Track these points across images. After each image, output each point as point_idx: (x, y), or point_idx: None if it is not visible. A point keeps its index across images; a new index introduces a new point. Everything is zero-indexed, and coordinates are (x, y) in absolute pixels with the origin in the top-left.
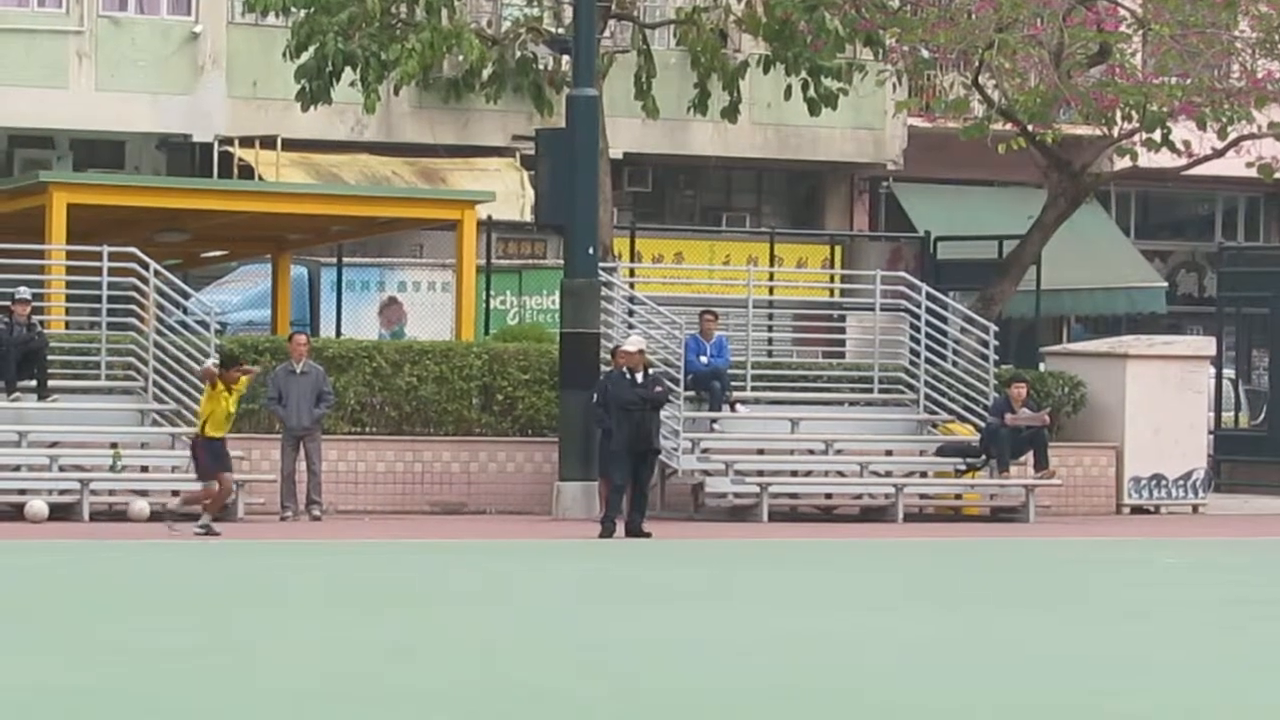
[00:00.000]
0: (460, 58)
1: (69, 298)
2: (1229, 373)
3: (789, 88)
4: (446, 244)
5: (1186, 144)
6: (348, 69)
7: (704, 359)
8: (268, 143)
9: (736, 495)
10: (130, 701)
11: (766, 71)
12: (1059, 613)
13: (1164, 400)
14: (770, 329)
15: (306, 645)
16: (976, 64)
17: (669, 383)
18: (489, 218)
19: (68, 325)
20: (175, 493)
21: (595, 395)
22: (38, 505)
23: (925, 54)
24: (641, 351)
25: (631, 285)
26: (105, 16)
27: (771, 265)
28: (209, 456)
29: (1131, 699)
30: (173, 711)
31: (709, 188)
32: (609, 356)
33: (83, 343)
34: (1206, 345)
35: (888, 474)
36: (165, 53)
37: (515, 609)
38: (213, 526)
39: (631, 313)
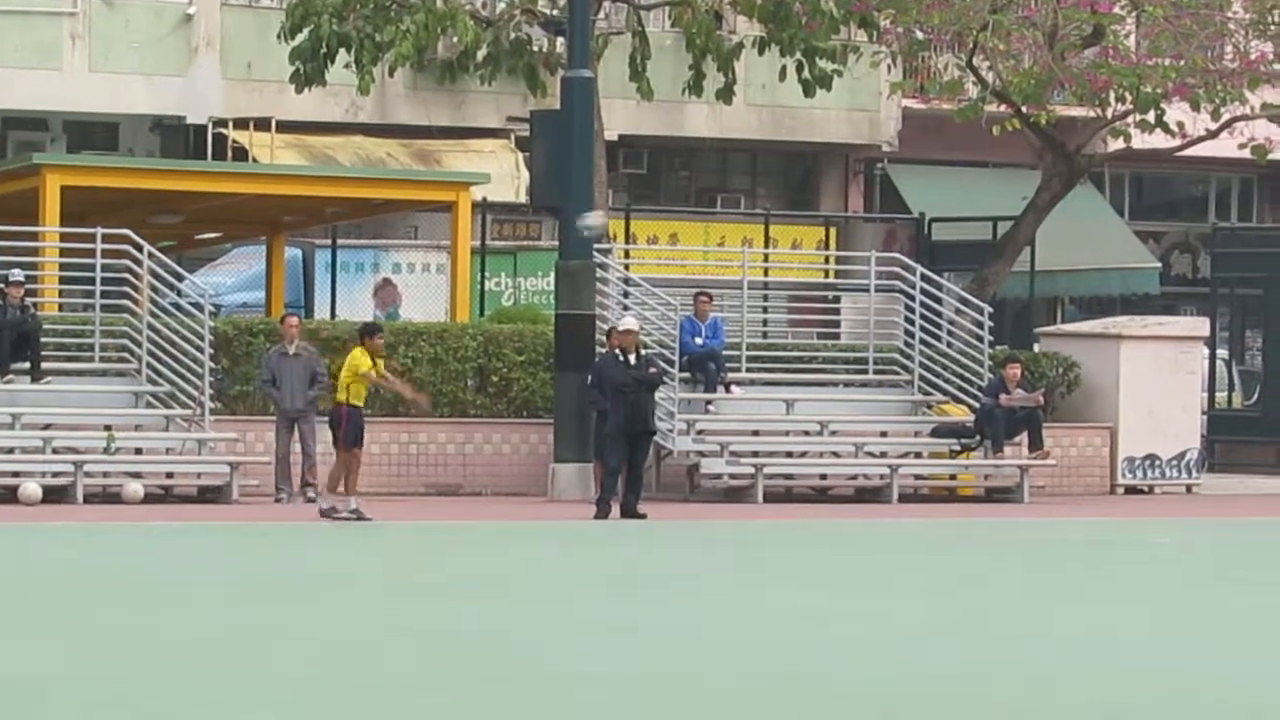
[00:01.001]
0: (455, 39)
1: (63, 280)
2: (1223, 353)
3: (784, 69)
4: (441, 226)
5: (1180, 125)
6: (342, 51)
7: (699, 340)
8: (262, 124)
9: (731, 476)
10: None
11: (761, 53)
12: (1054, 593)
13: (1158, 381)
14: (765, 310)
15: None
16: (971, 45)
17: (663, 364)
18: (484, 199)
19: (61, 307)
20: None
21: (590, 377)
22: (31, 487)
23: (920, 35)
24: (636, 333)
25: (626, 267)
26: None
27: (766, 247)
28: (354, 427)
29: (1126, 678)
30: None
31: (704, 169)
32: (604, 338)
33: (76, 325)
34: (1200, 326)
35: (882, 455)
36: (159, 34)
37: (522, 596)
38: (362, 510)
39: (626, 294)
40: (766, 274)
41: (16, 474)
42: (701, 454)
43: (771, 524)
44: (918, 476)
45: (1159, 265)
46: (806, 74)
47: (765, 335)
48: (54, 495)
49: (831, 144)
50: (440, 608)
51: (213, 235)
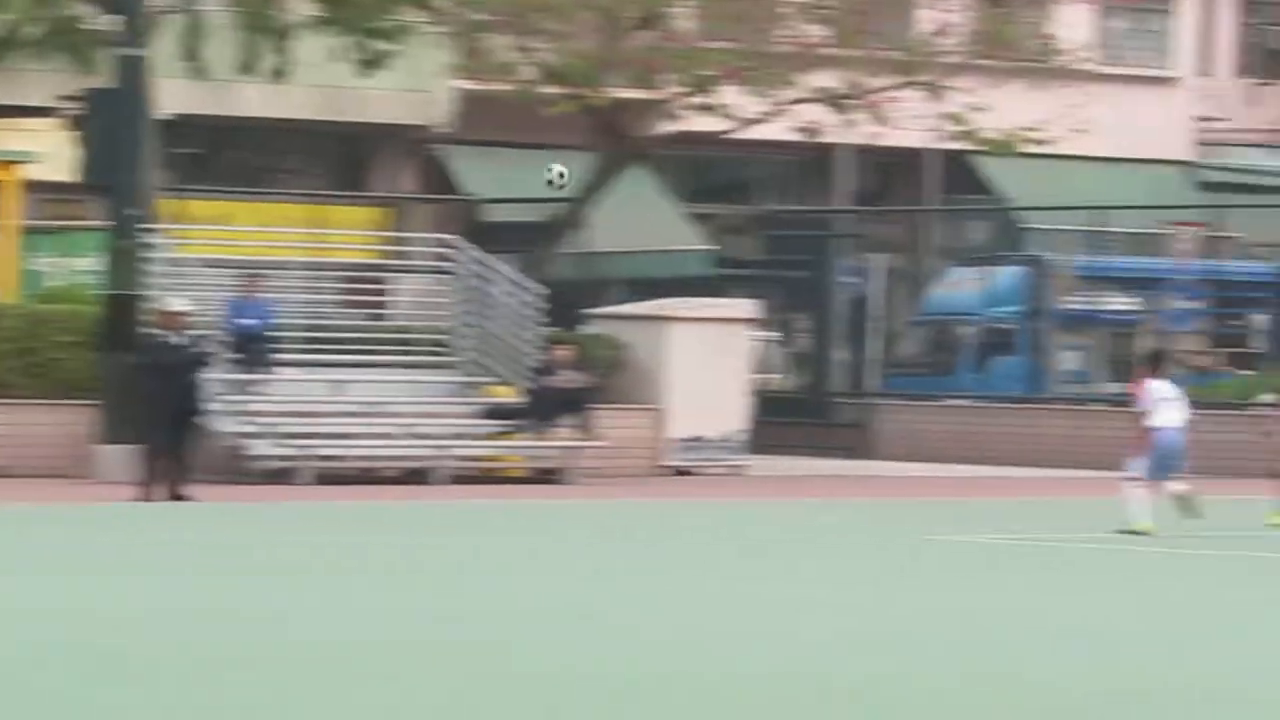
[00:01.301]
0: (4, 16)
1: None
2: (771, 335)
3: (339, 49)
4: None
5: (734, 108)
6: None
7: (247, 321)
8: None
9: (279, 458)
10: None
11: (317, 33)
12: (586, 573)
13: (705, 362)
14: (317, 291)
15: None
16: (528, 27)
17: (212, 344)
18: (33, 178)
19: None
20: None
21: (137, 357)
22: None
23: (477, 16)
24: (183, 313)
25: (177, 247)
26: None
27: (320, 227)
28: None
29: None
30: None
31: (259, 149)
32: (152, 319)
33: None
34: (748, 308)
35: (431, 436)
36: None
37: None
38: None
39: (176, 275)
40: (319, 254)
41: None
42: (249, 435)
43: (317, 505)
44: (466, 458)
45: (711, 247)
46: (362, 54)
47: (316, 316)
48: None
49: (387, 125)
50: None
51: None
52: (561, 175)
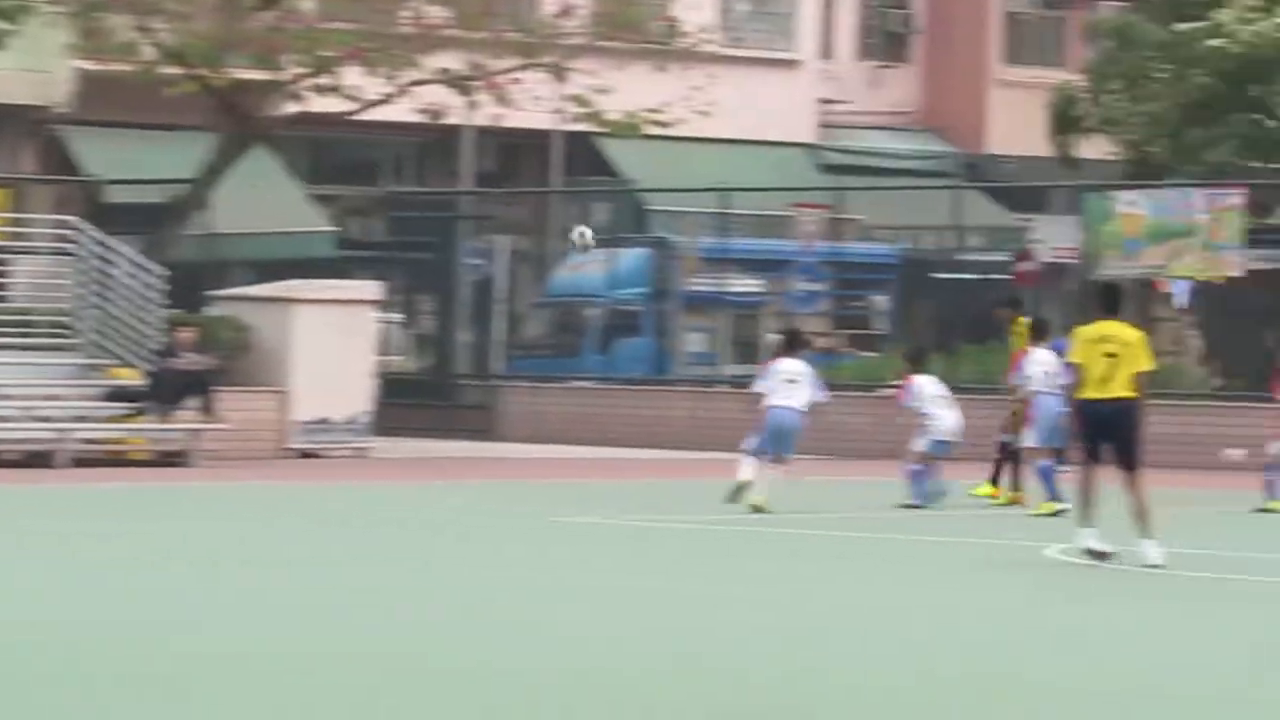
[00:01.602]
0: None
1: None
2: (395, 317)
3: None
4: None
5: (356, 89)
6: None
7: None
8: None
9: None
10: None
11: None
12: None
13: (330, 344)
14: None
15: None
16: (147, 7)
17: None
18: None
19: None
20: None
21: None
22: None
23: None
24: None
25: None
26: None
27: None
28: None
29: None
30: None
31: None
32: None
33: None
34: (373, 290)
35: (52, 419)
36: None
37: None
38: None
39: None
40: None
41: None
42: None
43: None
44: (88, 441)
45: (334, 229)
46: None
47: None
48: None
49: (5, 105)
50: None
51: None
52: (581, 235)
